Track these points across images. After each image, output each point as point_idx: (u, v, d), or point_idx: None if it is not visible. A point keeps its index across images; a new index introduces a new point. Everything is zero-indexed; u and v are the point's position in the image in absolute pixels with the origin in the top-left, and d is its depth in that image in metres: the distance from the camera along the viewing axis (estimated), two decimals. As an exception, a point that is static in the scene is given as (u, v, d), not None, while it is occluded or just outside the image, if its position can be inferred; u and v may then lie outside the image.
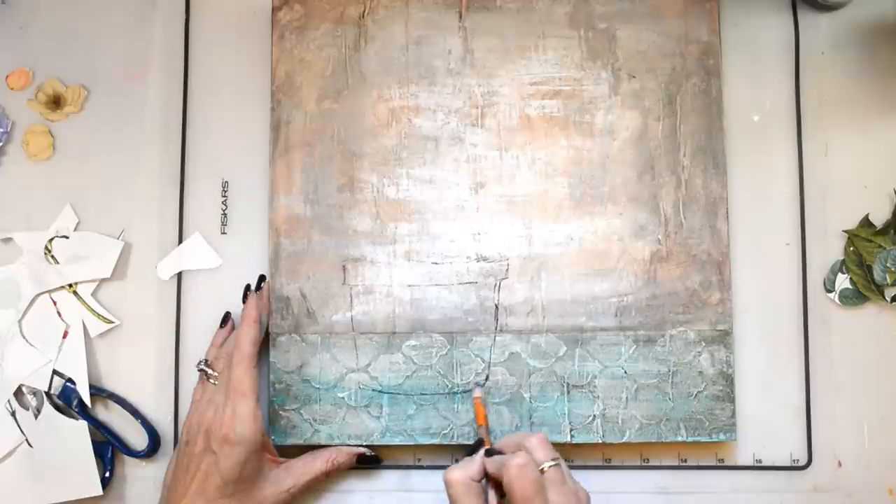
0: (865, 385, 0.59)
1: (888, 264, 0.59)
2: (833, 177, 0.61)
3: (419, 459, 0.59)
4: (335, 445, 0.57)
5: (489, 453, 0.53)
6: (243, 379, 0.54)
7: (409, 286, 0.58)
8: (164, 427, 0.60)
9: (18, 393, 0.60)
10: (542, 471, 0.50)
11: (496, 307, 0.58)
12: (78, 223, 0.61)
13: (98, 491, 0.58)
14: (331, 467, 0.56)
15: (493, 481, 0.52)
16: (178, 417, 0.60)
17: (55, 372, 0.59)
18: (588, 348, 0.57)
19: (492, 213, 0.59)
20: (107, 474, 0.59)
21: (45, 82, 0.63)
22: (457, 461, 0.59)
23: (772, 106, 0.61)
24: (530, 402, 0.57)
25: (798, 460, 0.59)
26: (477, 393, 0.56)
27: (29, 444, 0.59)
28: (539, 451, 0.52)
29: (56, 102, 0.62)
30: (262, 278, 0.59)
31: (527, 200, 0.59)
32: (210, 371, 0.56)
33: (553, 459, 0.51)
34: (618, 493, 0.59)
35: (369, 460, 0.58)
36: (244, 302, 0.58)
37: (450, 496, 0.51)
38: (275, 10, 0.60)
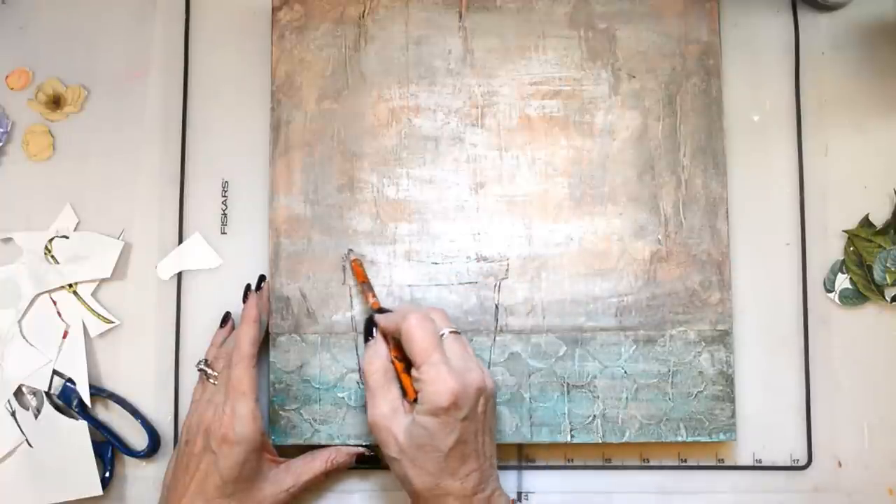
0: (865, 385, 0.59)
1: (888, 264, 0.59)
2: (833, 177, 0.61)
3: (419, 459, 0.59)
4: (335, 445, 0.57)
5: (381, 312, 0.55)
6: (243, 379, 0.54)
7: (409, 286, 0.58)
8: (164, 427, 0.60)
9: (18, 393, 0.60)
10: (441, 335, 0.52)
11: (496, 307, 0.58)
12: (78, 223, 0.61)
13: (98, 491, 0.58)
14: (330, 467, 0.56)
15: (391, 342, 0.54)
16: (178, 417, 0.60)
17: (55, 372, 0.59)
18: (588, 348, 0.57)
19: (492, 213, 0.59)
20: (107, 474, 0.59)
21: (45, 82, 0.63)
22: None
23: (772, 106, 0.61)
24: (530, 402, 0.57)
25: (798, 460, 0.59)
26: (353, 256, 0.58)
27: (29, 444, 0.59)
28: (439, 319, 0.53)
29: (56, 102, 0.62)
30: (262, 278, 0.59)
31: (527, 200, 0.59)
32: (210, 371, 0.56)
33: (451, 329, 0.53)
34: (618, 493, 0.59)
35: (369, 460, 0.58)
36: (244, 302, 0.58)
37: (368, 386, 0.52)
38: (275, 10, 0.60)
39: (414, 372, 0.51)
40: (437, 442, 0.50)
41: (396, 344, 0.54)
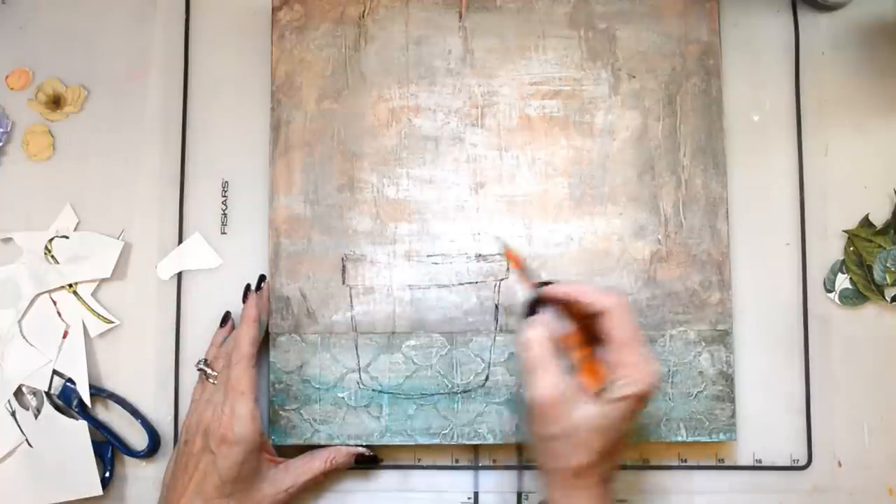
0: (865, 385, 0.59)
1: (888, 264, 0.59)
2: (833, 177, 0.61)
3: (419, 459, 0.59)
4: (334, 445, 0.57)
5: (543, 286, 0.51)
6: (242, 378, 0.54)
7: (409, 286, 0.58)
8: (164, 427, 0.60)
9: (18, 393, 0.60)
10: None
11: (496, 307, 0.58)
12: (78, 223, 0.61)
13: (98, 491, 0.58)
14: (329, 467, 0.56)
15: (573, 326, 0.50)
16: (178, 417, 0.60)
17: (55, 372, 0.59)
18: (588, 348, 0.57)
19: (492, 213, 0.59)
20: (107, 474, 0.59)
21: (45, 82, 0.63)
22: (457, 461, 0.59)
23: (772, 106, 0.61)
24: (530, 402, 0.57)
25: (798, 460, 0.59)
26: (505, 243, 0.55)
27: (29, 444, 0.59)
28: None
29: (56, 102, 0.62)
30: (262, 278, 0.59)
31: (527, 200, 0.59)
32: (209, 371, 0.56)
33: None
34: (618, 492, 0.59)
35: (368, 460, 0.58)
36: (244, 302, 0.58)
37: (528, 359, 0.48)
38: (275, 10, 0.60)
39: (614, 354, 0.48)
40: (618, 426, 0.47)
41: (579, 328, 0.50)
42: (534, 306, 0.51)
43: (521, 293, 0.55)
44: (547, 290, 0.51)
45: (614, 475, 0.50)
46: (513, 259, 0.56)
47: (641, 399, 0.48)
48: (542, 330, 0.49)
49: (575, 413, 0.47)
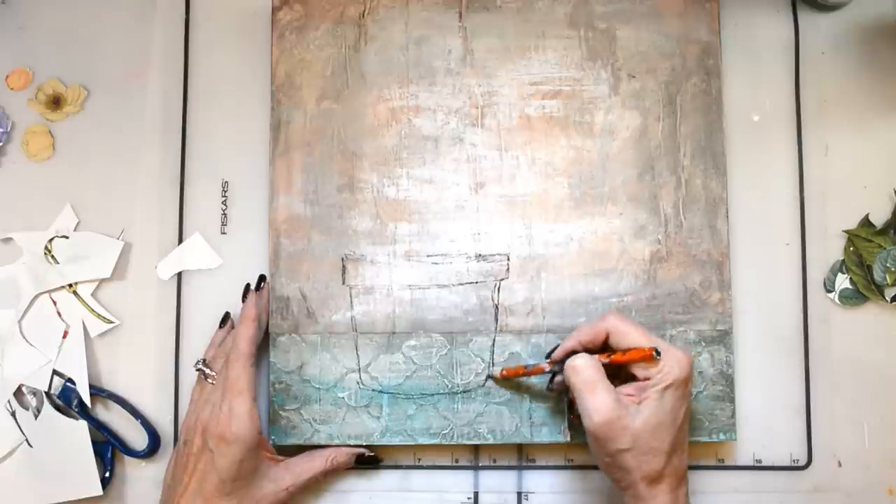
0: (865, 385, 0.59)
1: (888, 264, 0.59)
2: (833, 177, 0.61)
3: (419, 459, 0.59)
4: (335, 445, 0.57)
5: (552, 352, 0.55)
6: (240, 377, 0.54)
7: (409, 286, 0.58)
8: (164, 427, 0.60)
9: (18, 393, 0.60)
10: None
11: (496, 307, 0.58)
12: (78, 223, 0.61)
13: (98, 491, 0.58)
14: (331, 466, 0.56)
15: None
16: (178, 417, 0.60)
17: (55, 372, 0.59)
18: (588, 348, 0.57)
19: (492, 213, 0.59)
20: (107, 474, 0.59)
21: (45, 82, 0.63)
22: (457, 461, 0.59)
23: (772, 106, 0.61)
24: (530, 402, 0.57)
25: (798, 460, 0.59)
26: (496, 373, 0.57)
27: (29, 444, 0.59)
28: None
29: (56, 102, 0.62)
30: (262, 278, 0.59)
31: (527, 200, 0.59)
32: (208, 371, 0.56)
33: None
34: (618, 493, 0.59)
35: (369, 461, 0.58)
36: (244, 301, 0.58)
37: (578, 383, 0.50)
38: (275, 10, 0.60)
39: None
40: (674, 416, 0.50)
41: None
42: (561, 362, 0.53)
43: (541, 379, 0.57)
44: (558, 351, 0.54)
45: (685, 480, 0.52)
46: (513, 373, 0.56)
47: (684, 383, 0.50)
48: (585, 359, 0.51)
49: (634, 422, 0.49)
